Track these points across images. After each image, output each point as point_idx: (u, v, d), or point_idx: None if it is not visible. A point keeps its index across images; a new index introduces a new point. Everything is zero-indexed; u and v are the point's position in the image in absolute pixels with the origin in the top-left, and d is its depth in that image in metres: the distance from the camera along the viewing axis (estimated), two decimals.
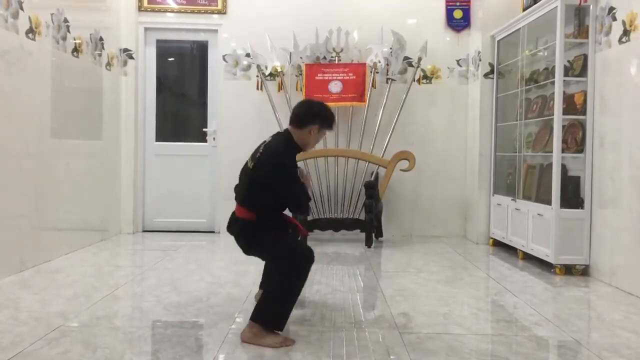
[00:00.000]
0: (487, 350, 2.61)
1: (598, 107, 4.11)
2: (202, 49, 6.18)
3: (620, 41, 3.85)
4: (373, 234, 5.41)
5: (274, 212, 2.96)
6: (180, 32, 6.12)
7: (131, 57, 5.91)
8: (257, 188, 2.82)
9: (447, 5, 5.98)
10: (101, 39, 5.33)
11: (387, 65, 5.80)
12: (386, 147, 5.77)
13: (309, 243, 5.28)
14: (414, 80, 5.85)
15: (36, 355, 2.40)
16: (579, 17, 4.31)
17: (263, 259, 3.09)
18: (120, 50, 5.82)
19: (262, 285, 3.25)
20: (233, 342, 2.61)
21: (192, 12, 5.99)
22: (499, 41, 5.45)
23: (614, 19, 3.91)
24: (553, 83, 4.33)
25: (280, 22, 5.84)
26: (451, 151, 6.04)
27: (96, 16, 5.34)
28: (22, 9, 3.95)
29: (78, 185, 4.88)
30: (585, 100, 4.20)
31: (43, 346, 2.50)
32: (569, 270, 4.21)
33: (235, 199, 2.98)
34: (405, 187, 6.00)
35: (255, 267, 4.32)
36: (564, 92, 4.27)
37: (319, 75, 5.67)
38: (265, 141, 2.95)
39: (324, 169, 5.84)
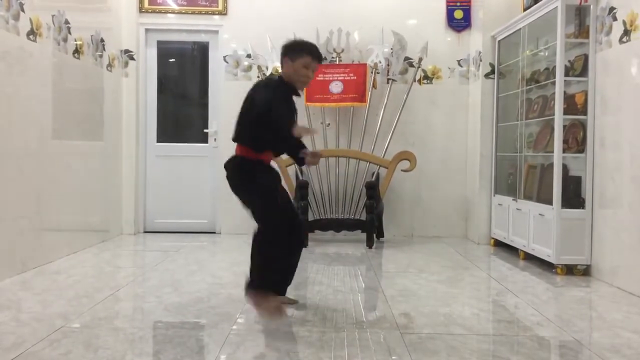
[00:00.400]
0: (489, 350, 2.61)
1: (599, 107, 4.11)
2: (202, 49, 6.19)
3: (620, 41, 3.84)
4: (374, 235, 5.41)
5: (265, 149, 2.97)
6: (181, 33, 6.13)
7: (132, 58, 5.91)
8: (247, 117, 2.91)
9: (447, 6, 5.98)
10: (102, 40, 5.34)
11: (388, 65, 5.80)
12: (387, 147, 5.77)
13: (310, 243, 5.32)
14: (415, 81, 5.85)
15: (38, 356, 2.40)
16: (579, 17, 4.31)
17: (246, 205, 3.01)
18: (121, 51, 5.83)
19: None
20: (234, 343, 2.61)
21: (193, 13, 5.99)
22: (499, 41, 5.45)
23: (615, 18, 3.91)
24: (554, 83, 4.33)
25: (281, 23, 5.84)
26: (452, 151, 6.04)
27: (97, 17, 5.34)
28: (23, 10, 3.96)
29: (79, 186, 4.88)
30: (586, 100, 4.20)
31: (45, 347, 2.51)
32: (570, 270, 4.21)
33: (233, 140, 3.05)
34: (406, 188, 6.00)
35: None
36: (565, 92, 4.27)
37: (319, 75, 5.66)
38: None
39: (325, 169, 5.84)
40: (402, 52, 5.79)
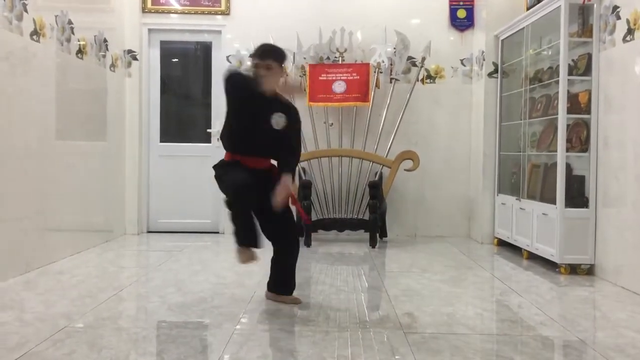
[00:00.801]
0: (492, 350, 2.60)
1: (602, 106, 4.10)
2: (205, 49, 6.19)
3: (624, 40, 3.83)
4: (377, 234, 5.41)
5: (230, 147, 3.34)
6: (184, 33, 6.13)
7: (135, 59, 5.92)
8: None
9: (450, 5, 5.97)
10: (105, 40, 5.35)
11: (391, 65, 5.79)
12: (390, 147, 5.76)
13: (314, 243, 5.32)
14: (418, 80, 5.84)
15: (42, 356, 2.40)
16: (582, 16, 4.29)
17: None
18: (124, 51, 5.84)
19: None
20: (238, 343, 2.61)
21: (196, 13, 6.00)
22: (502, 40, 5.44)
23: (618, 17, 3.90)
24: (557, 82, 4.31)
25: (284, 23, 5.85)
26: (455, 151, 6.03)
27: (100, 18, 5.35)
28: (26, 11, 3.96)
29: (82, 186, 4.89)
30: (589, 99, 4.19)
31: (48, 347, 2.51)
32: (573, 269, 4.20)
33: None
34: (409, 187, 6.00)
35: (259, 267, 4.32)
36: (568, 91, 4.26)
37: (322, 75, 5.67)
38: None
39: (328, 169, 5.84)
40: (405, 51, 5.78)
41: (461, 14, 5.97)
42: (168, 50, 6.19)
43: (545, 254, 4.39)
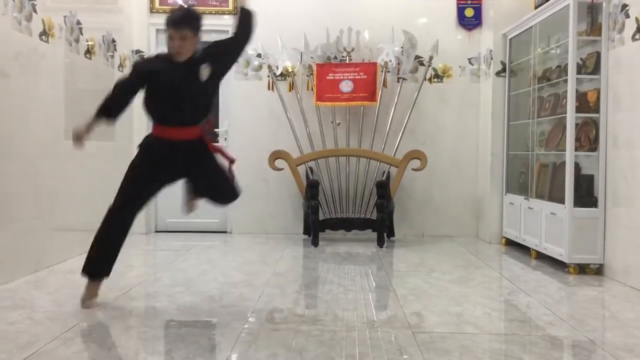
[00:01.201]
0: (501, 349, 2.60)
1: (611, 105, 4.08)
2: None
3: (633, 38, 3.81)
4: (385, 234, 5.41)
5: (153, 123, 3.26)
6: None
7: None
8: None
9: (458, 4, 5.95)
10: (113, 40, 5.37)
11: (398, 64, 5.79)
12: (397, 146, 5.76)
13: (321, 242, 5.32)
14: (425, 79, 5.83)
15: (52, 355, 2.42)
16: (591, 14, 4.27)
17: None
18: (132, 51, 5.86)
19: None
20: (246, 342, 2.62)
21: (203, 13, 5.94)
22: (510, 39, 5.42)
23: (627, 16, 3.88)
24: (566, 81, 4.30)
25: (291, 22, 5.85)
26: (463, 150, 6.02)
27: (108, 18, 5.38)
28: (35, 11, 3.99)
29: (91, 186, 4.91)
30: (598, 98, 4.17)
31: (58, 345, 2.53)
32: (582, 269, 4.18)
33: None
34: (416, 187, 5.99)
35: (266, 267, 4.34)
36: (577, 90, 4.25)
37: (330, 75, 5.67)
38: None
39: (335, 168, 5.84)
40: (412, 50, 5.78)
41: (469, 12, 5.95)
42: None
43: (554, 254, 4.37)
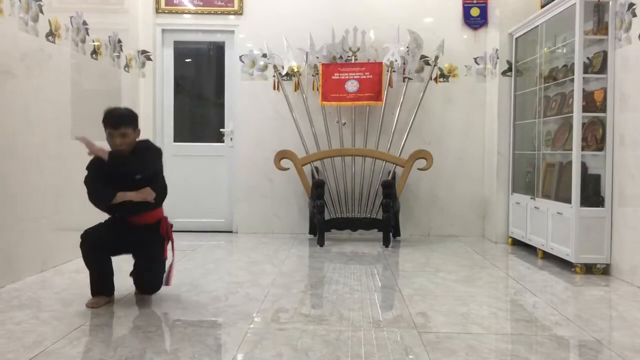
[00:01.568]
0: (507, 350, 2.59)
1: (618, 104, 4.06)
2: (219, 49, 6.22)
3: None
4: (391, 233, 5.40)
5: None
6: (197, 34, 6.16)
7: (149, 59, 5.96)
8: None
9: (464, 3, 5.94)
10: (119, 41, 5.38)
11: (404, 64, 5.78)
12: (403, 146, 5.75)
13: (327, 242, 5.32)
14: (431, 79, 5.82)
15: (58, 354, 2.43)
16: (598, 13, 4.26)
17: None
18: (138, 52, 5.87)
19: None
20: (252, 342, 2.62)
21: (209, 13, 6.02)
22: (516, 39, 5.41)
23: (634, 15, 3.86)
24: (572, 80, 4.28)
25: (297, 22, 5.85)
26: (469, 150, 6.01)
27: (114, 18, 5.39)
28: (42, 12, 4.00)
29: None
30: (605, 98, 4.15)
31: (65, 345, 2.54)
32: (589, 269, 4.16)
33: None
34: (422, 186, 5.98)
35: (272, 266, 4.34)
36: (584, 90, 4.23)
37: (335, 74, 5.67)
38: None
39: (341, 168, 5.84)
40: (418, 50, 5.77)
41: (475, 12, 5.94)
42: (181, 51, 6.22)
43: (561, 254, 4.36)
